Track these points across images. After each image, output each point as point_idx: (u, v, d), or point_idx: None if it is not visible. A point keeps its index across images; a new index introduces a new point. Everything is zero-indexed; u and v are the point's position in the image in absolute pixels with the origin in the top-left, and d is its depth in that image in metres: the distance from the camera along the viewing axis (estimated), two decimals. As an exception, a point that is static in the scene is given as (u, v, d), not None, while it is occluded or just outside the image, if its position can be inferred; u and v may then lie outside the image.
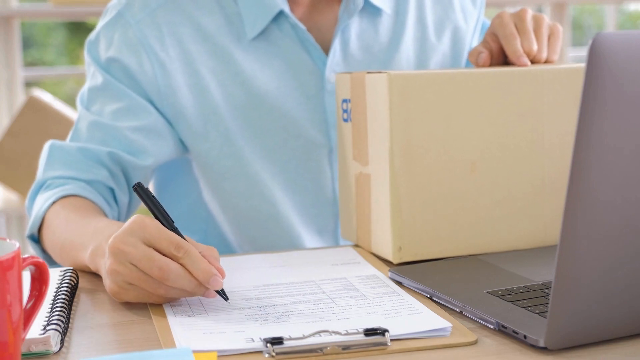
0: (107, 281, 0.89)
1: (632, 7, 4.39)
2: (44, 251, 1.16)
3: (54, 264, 1.16)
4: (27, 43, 4.38)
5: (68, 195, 1.14)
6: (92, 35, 1.24)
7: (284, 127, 1.23)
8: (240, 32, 1.21)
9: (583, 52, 3.39)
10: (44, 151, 1.22)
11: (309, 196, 1.26)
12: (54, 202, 1.13)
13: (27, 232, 1.16)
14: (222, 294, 0.88)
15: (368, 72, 1.06)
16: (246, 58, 1.21)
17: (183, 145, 1.25)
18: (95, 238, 0.97)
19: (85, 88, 1.24)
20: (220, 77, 1.21)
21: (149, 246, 0.86)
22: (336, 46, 1.23)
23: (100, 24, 1.24)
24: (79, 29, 4.80)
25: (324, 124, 1.24)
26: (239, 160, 1.23)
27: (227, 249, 1.31)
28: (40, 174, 1.21)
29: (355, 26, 1.25)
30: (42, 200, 1.15)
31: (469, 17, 1.34)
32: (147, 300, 0.88)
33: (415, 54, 1.29)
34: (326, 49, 1.24)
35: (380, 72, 1.03)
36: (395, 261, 1.03)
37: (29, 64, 4.28)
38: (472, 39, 1.35)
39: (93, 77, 1.23)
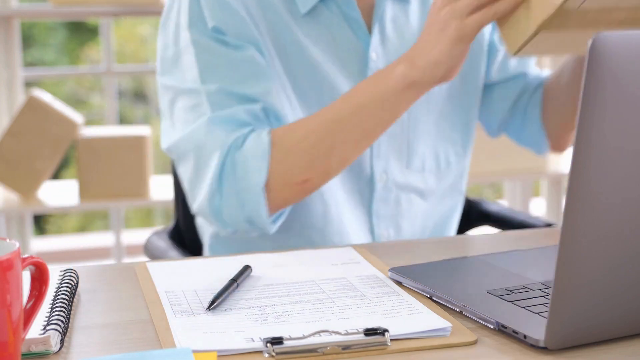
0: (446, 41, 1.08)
1: (632, 7, 4.38)
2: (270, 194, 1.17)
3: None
4: (27, 43, 4.38)
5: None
6: (190, 12, 1.21)
7: (329, 102, 1.24)
8: (293, 8, 1.25)
9: (583, 52, 3.38)
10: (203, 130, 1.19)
11: (348, 171, 1.28)
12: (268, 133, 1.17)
13: (250, 182, 1.16)
14: None
15: None
16: (299, 32, 1.25)
17: None
18: (390, 69, 1.13)
19: (194, 69, 1.21)
20: (279, 42, 1.24)
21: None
22: (376, 28, 1.28)
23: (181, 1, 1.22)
24: (79, 29, 4.80)
25: None
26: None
27: None
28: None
29: (389, 11, 1.30)
30: (253, 145, 1.16)
31: None
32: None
33: None
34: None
35: None
36: None
37: (29, 64, 4.28)
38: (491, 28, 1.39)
39: (200, 54, 1.21)
